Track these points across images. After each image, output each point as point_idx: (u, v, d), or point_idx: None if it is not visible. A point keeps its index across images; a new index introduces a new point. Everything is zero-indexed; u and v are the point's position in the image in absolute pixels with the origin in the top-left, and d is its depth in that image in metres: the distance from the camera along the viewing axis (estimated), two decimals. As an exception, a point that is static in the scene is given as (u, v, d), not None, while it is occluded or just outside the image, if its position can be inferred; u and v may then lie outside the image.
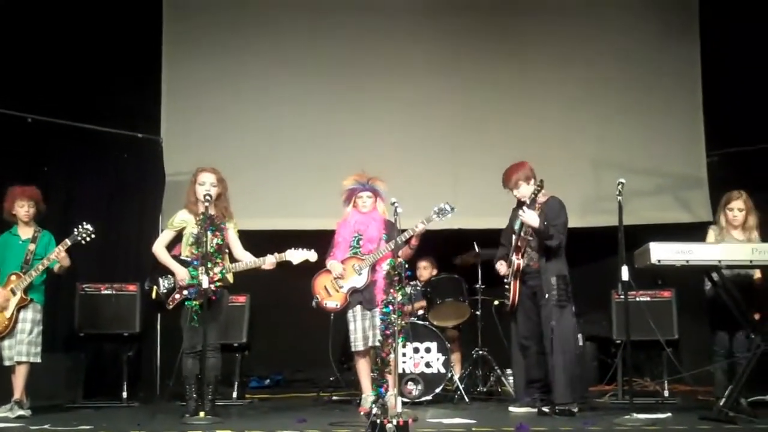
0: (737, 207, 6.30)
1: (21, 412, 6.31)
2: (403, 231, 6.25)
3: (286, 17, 9.17)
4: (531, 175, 6.40)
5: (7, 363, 6.46)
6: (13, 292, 6.47)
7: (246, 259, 6.15)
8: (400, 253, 6.18)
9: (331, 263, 6.54)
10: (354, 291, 6.48)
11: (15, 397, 6.38)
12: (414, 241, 6.51)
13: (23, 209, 6.62)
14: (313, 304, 6.60)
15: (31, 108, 8.01)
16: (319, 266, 6.55)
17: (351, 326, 6.47)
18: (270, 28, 9.15)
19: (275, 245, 6.24)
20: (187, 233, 6.13)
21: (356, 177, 6.64)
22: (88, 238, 6.48)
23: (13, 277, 6.51)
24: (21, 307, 6.47)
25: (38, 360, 6.50)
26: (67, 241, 6.46)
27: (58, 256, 6.47)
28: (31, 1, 8.12)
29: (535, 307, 6.33)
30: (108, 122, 8.55)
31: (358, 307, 6.46)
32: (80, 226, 6.47)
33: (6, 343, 6.45)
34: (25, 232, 6.67)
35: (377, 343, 6.05)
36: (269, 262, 6.13)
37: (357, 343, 6.42)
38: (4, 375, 6.51)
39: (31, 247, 6.60)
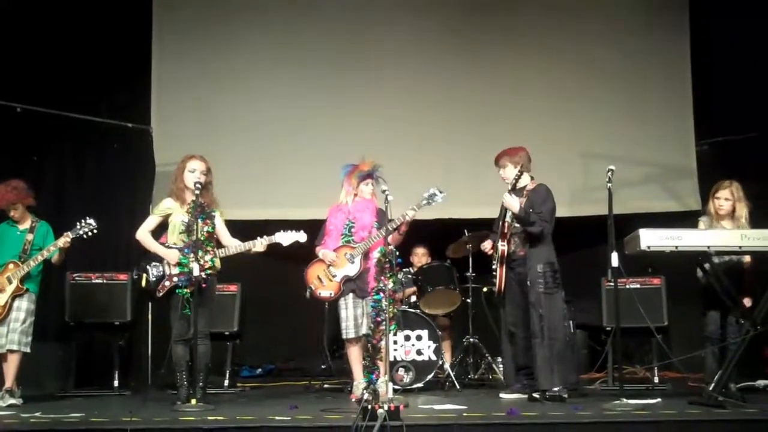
0: (724, 196, 6.31)
1: (12, 401, 6.31)
2: (392, 220, 6.26)
3: (276, 7, 9.15)
4: (521, 162, 6.39)
5: None
6: (9, 281, 6.47)
7: (234, 244, 6.15)
8: (390, 239, 6.19)
9: (323, 252, 6.54)
10: (347, 279, 6.48)
11: (6, 386, 6.38)
12: (404, 228, 6.50)
13: (9, 213, 6.64)
14: (307, 294, 6.59)
15: (21, 98, 7.99)
16: (310, 253, 6.55)
17: (342, 314, 6.48)
18: (260, 19, 9.12)
19: (265, 234, 6.23)
20: (173, 221, 6.13)
21: (366, 165, 6.59)
22: (90, 233, 6.48)
23: (11, 266, 6.51)
24: (16, 295, 6.47)
25: (28, 350, 6.49)
26: (69, 234, 6.46)
27: (65, 244, 6.44)
28: (20, -9, 8.11)
29: (522, 294, 6.34)
30: (98, 112, 8.56)
31: (351, 295, 6.47)
32: (83, 221, 6.46)
33: None
34: (23, 223, 6.68)
35: (369, 331, 6.09)
36: (259, 245, 6.12)
37: (348, 331, 6.43)
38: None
39: (29, 237, 6.61)
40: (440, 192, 6.41)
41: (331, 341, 7.61)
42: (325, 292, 6.55)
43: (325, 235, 6.63)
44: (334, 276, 6.51)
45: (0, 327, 6.44)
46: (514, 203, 6.22)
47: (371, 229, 6.51)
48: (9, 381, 6.41)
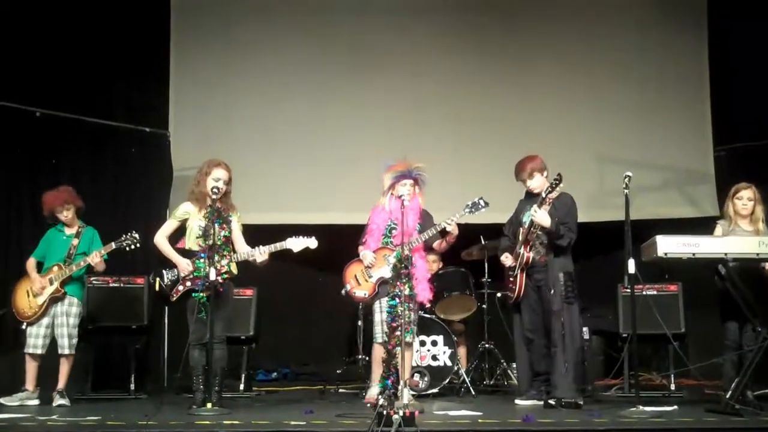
0: (747, 196, 6.30)
1: (61, 402, 6.53)
2: (434, 226, 6.25)
3: (294, 12, 9.17)
4: (544, 167, 6.43)
5: (30, 351, 6.62)
6: (51, 282, 6.62)
7: (243, 250, 6.15)
8: (435, 245, 6.17)
9: (364, 253, 6.54)
10: (383, 282, 6.45)
11: (58, 387, 6.61)
12: (451, 238, 6.44)
13: (62, 215, 6.80)
14: (343, 292, 6.60)
15: (40, 102, 8.04)
16: (327, 259, 6.53)
17: (377, 317, 6.43)
18: (278, 24, 9.15)
19: (282, 239, 6.23)
20: (190, 225, 6.15)
21: (402, 165, 6.52)
22: (133, 246, 6.59)
23: (55, 268, 6.69)
24: (54, 298, 6.61)
25: (73, 352, 6.71)
26: (112, 245, 6.61)
27: (93, 260, 6.62)
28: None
29: (539, 301, 6.36)
30: (115, 116, 8.59)
31: (386, 299, 6.39)
32: (129, 234, 6.59)
33: (33, 330, 6.61)
34: (71, 228, 6.85)
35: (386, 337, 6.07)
36: (262, 251, 6.08)
37: (379, 335, 6.38)
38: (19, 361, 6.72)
39: (75, 242, 6.78)
40: (485, 202, 6.35)
41: (344, 346, 7.60)
42: (360, 292, 6.56)
43: (367, 234, 6.61)
44: (370, 277, 6.51)
45: (36, 328, 6.61)
46: (546, 220, 6.19)
47: (413, 231, 6.44)
48: (62, 382, 6.65)
